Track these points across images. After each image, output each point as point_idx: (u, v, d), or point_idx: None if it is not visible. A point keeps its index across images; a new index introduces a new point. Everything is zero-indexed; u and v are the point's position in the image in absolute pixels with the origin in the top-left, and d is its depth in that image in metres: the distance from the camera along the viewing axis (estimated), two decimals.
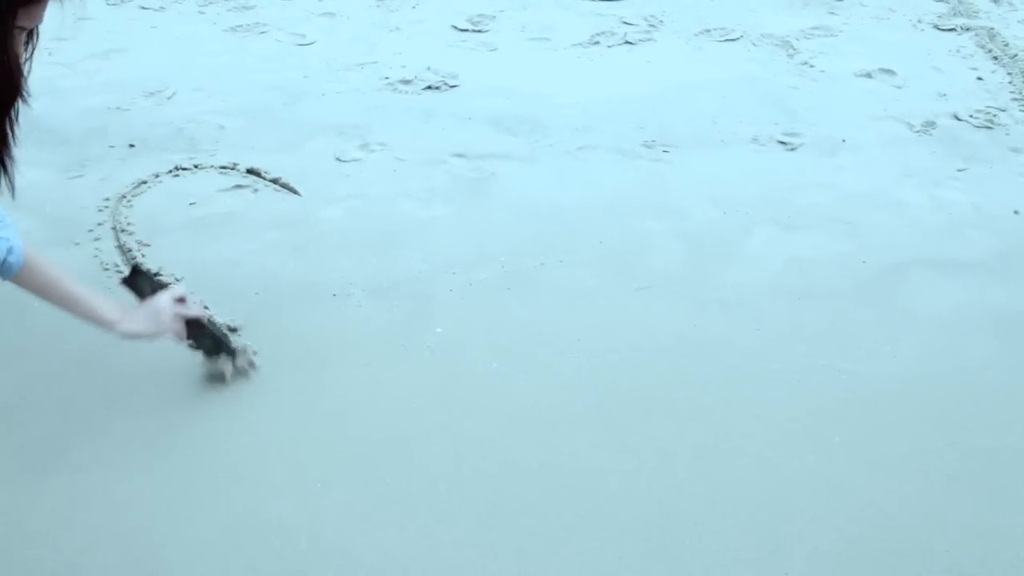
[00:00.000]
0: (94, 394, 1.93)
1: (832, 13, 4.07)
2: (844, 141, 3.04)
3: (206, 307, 1.97)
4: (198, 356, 1.93)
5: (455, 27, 3.94)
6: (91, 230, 2.53)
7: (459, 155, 2.93)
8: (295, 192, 2.76)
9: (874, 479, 1.75)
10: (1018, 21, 3.98)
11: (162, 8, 4.19)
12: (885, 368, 2.03)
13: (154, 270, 2.33)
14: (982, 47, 3.75)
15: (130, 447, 1.81)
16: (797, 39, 3.78)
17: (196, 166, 2.88)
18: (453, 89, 3.37)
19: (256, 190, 2.76)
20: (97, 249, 2.44)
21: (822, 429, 1.86)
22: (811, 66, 3.56)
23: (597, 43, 3.77)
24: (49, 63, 3.62)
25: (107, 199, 2.67)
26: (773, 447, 1.82)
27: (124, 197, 2.69)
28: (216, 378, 1.94)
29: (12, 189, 1.62)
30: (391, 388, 1.96)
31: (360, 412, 1.91)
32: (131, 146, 3.00)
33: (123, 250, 2.43)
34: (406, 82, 3.40)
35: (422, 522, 1.66)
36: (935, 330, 2.16)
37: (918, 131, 3.11)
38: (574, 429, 1.87)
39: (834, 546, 1.62)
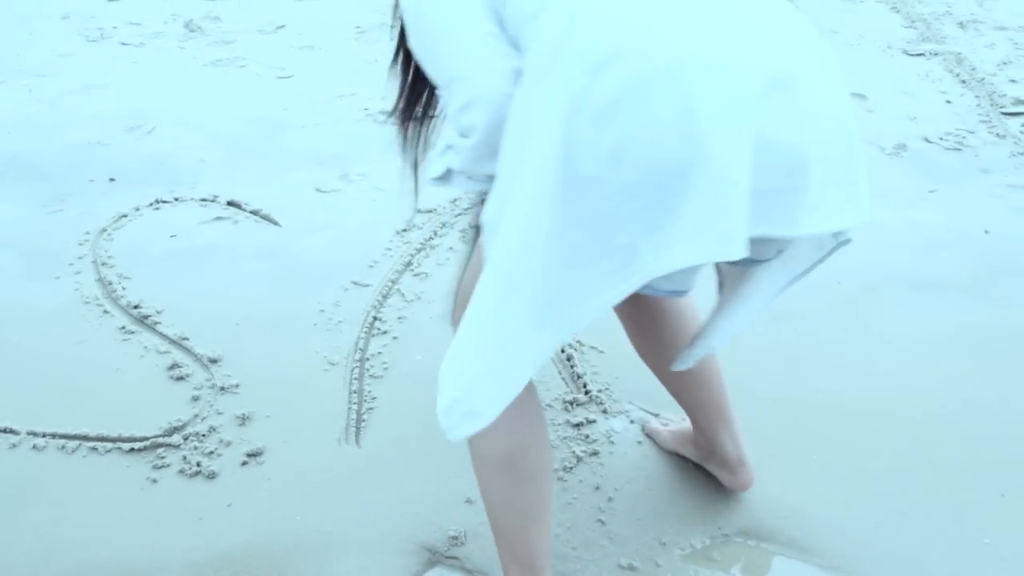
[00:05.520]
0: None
1: None
2: None
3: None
4: None
5: None
6: (71, 264, 2.53)
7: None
8: (275, 223, 2.77)
9: (851, 496, 1.77)
10: (984, 46, 4.06)
11: (142, 44, 4.22)
12: (861, 386, 2.06)
13: (135, 302, 2.34)
14: (950, 71, 3.83)
15: (115, 479, 1.81)
16: None
17: (176, 199, 2.90)
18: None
19: (236, 222, 2.77)
20: (78, 283, 2.45)
21: (799, 447, 1.89)
22: None
23: None
24: (29, 99, 3.64)
25: (87, 233, 2.68)
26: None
27: (104, 231, 2.70)
28: None
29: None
30: (373, 416, 1.97)
31: (344, 439, 1.92)
32: (111, 180, 3.02)
33: (104, 284, 2.44)
34: (385, 113, 3.43)
35: (419, 539, 1.67)
36: (909, 348, 2.19)
37: (890, 153, 3.16)
38: (556, 450, 1.88)
39: (810, 568, 1.64)
